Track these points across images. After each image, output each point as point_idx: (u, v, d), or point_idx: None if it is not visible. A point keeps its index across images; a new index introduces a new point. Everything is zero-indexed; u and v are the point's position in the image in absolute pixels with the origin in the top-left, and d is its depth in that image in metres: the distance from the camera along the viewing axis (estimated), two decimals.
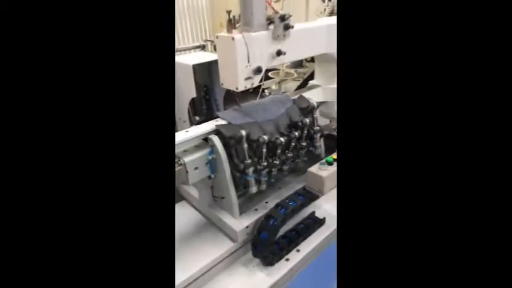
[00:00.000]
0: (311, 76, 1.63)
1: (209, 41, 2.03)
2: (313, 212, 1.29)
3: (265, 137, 1.00)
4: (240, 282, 1.03)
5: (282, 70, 1.68)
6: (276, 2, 2.46)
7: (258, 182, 1.06)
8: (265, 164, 1.03)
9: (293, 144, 1.12)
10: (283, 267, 1.08)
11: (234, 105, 1.19)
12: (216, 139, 0.98)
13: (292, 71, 1.73)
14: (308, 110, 1.19)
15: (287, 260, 1.11)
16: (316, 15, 2.67)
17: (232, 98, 1.24)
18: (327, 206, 1.35)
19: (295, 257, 1.12)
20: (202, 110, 1.41)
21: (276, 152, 1.07)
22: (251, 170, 1.01)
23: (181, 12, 3.22)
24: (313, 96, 1.40)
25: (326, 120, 1.65)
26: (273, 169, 1.09)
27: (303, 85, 1.80)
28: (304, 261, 1.16)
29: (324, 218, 1.26)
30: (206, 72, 1.25)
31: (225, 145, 1.00)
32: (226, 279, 1.04)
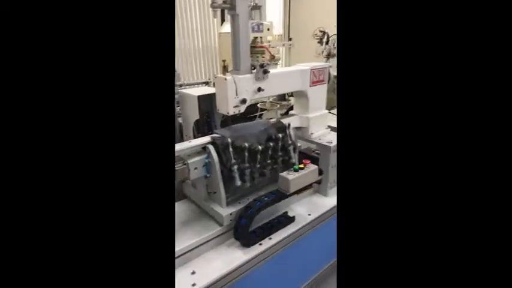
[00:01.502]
0: (292, 108, 2.04)
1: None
2: (286, 212, 1.63)
3: (246, 144, 1.38)
4: (222, 257, 1.35)
5: (268, 102, 2.09)
6: (273, 47, 2.95)
7: (243, 180, 1.42)
8: (247, 165, 1.40)
9: (270, 152, 1.49)
10: (256, 249, 1.40)
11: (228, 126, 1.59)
12: (211, 147, 1.36)
13: (277, 103, 2.15)
14: (282, 128, 1.58)
15: (260, 244, 1.43)
16: (315, 56, 3.15)
17: (227, 121, 1.64)
18: (298, 209, 1.69)
19: (267, 243, 1.45)
20: (204, 130, 1.80)
21: (256, 157, 1.44)
22: (235, 167, 1.37)
23: (197, 51, 3.81)
24: (291, 121, 1.79)
25: (311, 145, 2.01)
26: (255, 171, 1.45)
27: (285, 114, 2.21)
28: (274, 249, 1.47)
29: (294, 217, 1.59)
30: (208, 101, 1.66)
31: (218, 153, 1.38)
32: (212, 255, 1.37)
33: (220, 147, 1.36)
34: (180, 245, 1.30)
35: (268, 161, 1.49)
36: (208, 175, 1.40)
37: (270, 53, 2.74)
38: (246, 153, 1.39)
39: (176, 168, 1.32)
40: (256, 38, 2.88)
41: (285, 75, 1.65)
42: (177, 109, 1.60)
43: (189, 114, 1.58)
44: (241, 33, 1.38)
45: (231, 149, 1.36)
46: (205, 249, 1.38)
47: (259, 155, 1.43)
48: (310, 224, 1.62)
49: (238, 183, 1.38)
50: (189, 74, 2.03)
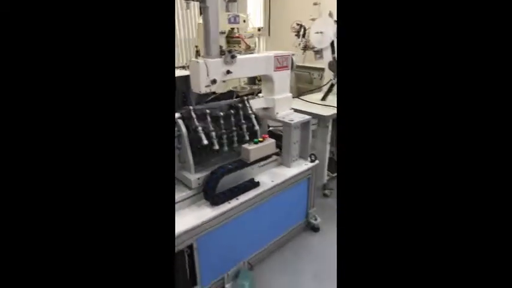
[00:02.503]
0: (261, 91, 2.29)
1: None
2: (253, 178, 1.89)
3: (208, 110, 1.63)
4: (194, 214, 1.61)
5: (239, 85, 2.34)
6: (249, 38, 3.18)
7: (209, 140, 1.63)
8: (212, 128, 1.64)
9: (233, 119, 1.74)
10: (225, 207, 1.66)
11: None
12: (180, 121, 1.60)
13: (248, 87, 2.40)
14: (241, 101, 1.84)
15: (229, 203, 1.69)
16: (293, 48, 3.38)
17: (201, 101, 1.88)
18: (263, 177, 1.96)
19: (234, 203, 1.71)
20: (180, 108, 2.03)
21: (219, 123, 1.68)
22: (200, 128, 1.60)
23: (178, 41, 4.03)
24: (257, 103, 2.05)
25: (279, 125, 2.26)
26: (221, 134, 1.68)
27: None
28: (241, 208, 1.74)
29: (258, 182, 1.86)
30: (184, 83, 1.89)
31: (186, 126, 1.61)
32: (186, 212, 1.62)
33: (185, 115, 1.59)
34: None
35: (234, 128, 1.75)
36: (179, 146, 1.64)
37: (246, 43, 2.97)
38: (209, 118, 1.64)
39: None
40: (233, 29, 3.10)
41: (251, 60, 1.90)
42: None
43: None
44: (211, 22, 1.62)
45: (193, 115, 1.60)
46: (179, 208, 1.62)
47: (222, 120, 1.68)
48: (272, 189, 1.90)
49: (205, 142, 1.59)
50: None
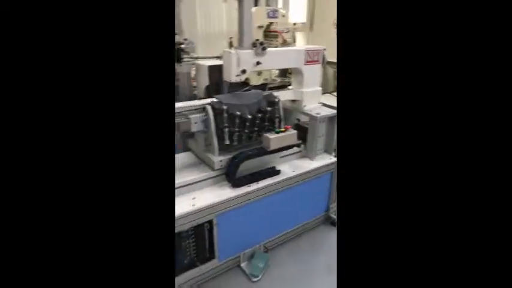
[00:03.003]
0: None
1: None
2: (274, 166, 1.98)
3: (238, 113, 1.73)
4: (216, 192, 1.74)
5: (269, 77, 2.41)
6: (286, 32, 3.23)
7: (231, 140, 1.76)
8: (237, 129, 1.75)
9: (257, 121, 1.83)
10: (244, 190, 1.77)
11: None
12: (208, 107, 1.72)
13: (279, 79, 2.46)
14: (272, 103, 1.91)
15: (249, 186, 1.80)
16: (335, 44, 3.36)
17: (232, 89, 1.99)
18: (285, 167, 2.03)
19: (254, 186, 1.81)
20: (212, 94, 2.17)
21: (245, 124, 1.78)
22: (226, 130, 1.73)
23: (213, 33, 4.27)
24: (286, 95, 2.12)
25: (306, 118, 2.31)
26: (242, 134, 1.79)
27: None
28: (260, 193, 1.83)
29: (279, 170, 1.94)
30: (217, 71, 2.02)
31: (214, 112, 1.74)
32: (207, 190, 1.76)
33: (217, 111, 1.71)
34: (182, 179, 1.71)
35: (256, 128, 1.84)
36: (206, 130, 1.77)
37: (283, 38, 3.02)
38: (237, 120, 1.74)
39: (181, 121, 1.69)
40: (271, 23, 3.17)
41: (281, 53, 1.97)
42: (192, 75, 1.97)
43: (201, 80, 1.96)
44: (245, 15, 1.72)
45: (225, 115, 1.71)
46: (202, 186, 1.77)
47: (247, 123, 1.78)
48: (293, 179, 1.96)
49: (227, 142, 1.74)
50: (207, 52, 2.39)
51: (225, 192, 1.74)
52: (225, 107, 1.72)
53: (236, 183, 1.77)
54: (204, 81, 1.90)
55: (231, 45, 1.79)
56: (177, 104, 1.75)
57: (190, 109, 1.74)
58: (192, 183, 1.74)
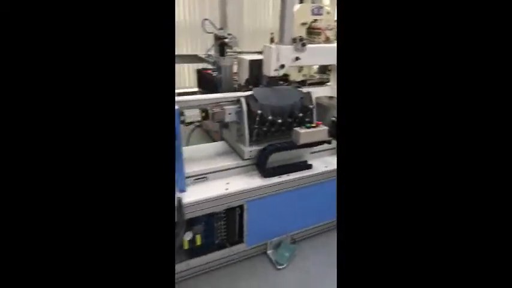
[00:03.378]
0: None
1: None
2: (306, 160, 2.02)
3: (270, 117, 1.78)
4: (246, 180, 1.84)
5: (308, 74, 2.43)
6: (330, 30, 3.20)
7: (259, 136, 1.84)
8: (266, 129, 1.81)
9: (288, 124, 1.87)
10: (274, 180, 1.85)
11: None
12: (242, 100, 1.80)
13: (317, 75, 2.48)
14: (306, 108, 1.91)
15: (280, 177, 1.87)
16: None
17: (270, 83, 2.07)
18: (317, 162, 2.06)
19: (285, 178, 1.88)
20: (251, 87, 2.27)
21: (276, 124, 1.83)
22: (255, 131, 1.80)
23: (253, 29, 4.38)
24: (324, 91, 2.14)
25: None
26: (271, 133, 1.84)
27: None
28: (290, 185, 1.89)
29: (311, 165, 1.98)
30: (257, 66, 2.11)
31: (247, 105, 1.79)
32: (238, 177, 1.86)
33: (251, 108, 1.77)
34: (216, 165, 1.85)
35: (283, 128, 1.87)
36: (239, 121, 1.87)
37: (325, 35, 3.01)
38: (268, 123, 1.80)
39: (216, 111, 1.79)
40: (316, 20, 3.17)
41: (320, 49, 2.00)
42: (234, 69, 2.09)
43: (242, 74, 2.06)
44: (287, 12, 1.78)
45: (258, 119, 1.78)
46: (231, 173, 1.88)
47: (276, 126, 1.83)
48: (324, 174, 1.99)
49: (255, 138, 1.82)
50: (252, 47, 2.50)
51: (256, 181, 1.83)
52: (259, 112, 1.77)
53: (266, 173, 1.85)
54: (245, 74, 2.00)
55: (272, 40, 1.86)
56: (214, 95, 1.87)
57: (227, 100, 1.85)
58: (224, 170, 1.86)
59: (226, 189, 1.74)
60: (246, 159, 1.89)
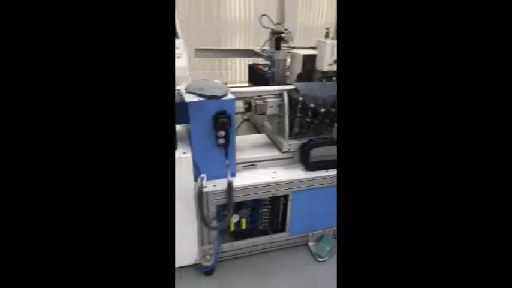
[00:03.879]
0: None
1: None
2: None
3: (312, 105, 1.79)
4: (289, 172, 1.89)
5: None
6: None
7: (301, 127, 1.87)
8: (308, 120, 1.83)
9: (330, 115, 1.86)
10: (318, 174, 1.87)
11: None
12: (285, 94, 1.84)
13: None
14: None
15: (326, 171, 1.89)
16: None
17: (323, 78, 2.09)
18: None
19: (331, 172, 1.89)
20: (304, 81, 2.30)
21: (318, 115, 1.83)
22: (297, 120, 1.84)
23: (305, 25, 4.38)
24: None
25: None
26: (314, 123, 1.85)
27: None
28: (330, 180, 1.90)
29: None
30: (311, 61, 2.13)
31: (290, 99, 1.83)
32: (278, 169, 1.92)
33: (293, 100, 1.81)
34: (260, 154, 1.93)
35: (327, 120, 1.87)
36: (280, 114, 1.91)
37: None
38: (310, 112, 1.81)
39: (259, 104, 1.86)
40: None
41: None
42: (287, 63, 2.14)
43: (295, 68, 2.10)
44: None
45: (299, 106, 1.80)
46: (270, 164, 1.93)
47: (320, 115, 1.83)
48: None
49: (296, 130, 1.85)
50: (305, 43, 2.52)
51: (301, 173, 1.88)
52: (300, 98, 1.80)
53: (309, 167, 1.89)
54: (297, 69, 2.04)
55: (326, 35, 1.88)
56: (258, 88, 1.94)
57: (269, 93, 1.91)
58: (268, 160, 1.93)
59: (273, 177, 1.81)
60: (284, 152, 1.93)
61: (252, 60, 3.07)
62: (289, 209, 1.92)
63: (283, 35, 1.95)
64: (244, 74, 3.06)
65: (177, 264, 1.84)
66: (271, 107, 1.89)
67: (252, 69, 3.35)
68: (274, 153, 1.96)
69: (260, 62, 2.95)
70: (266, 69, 3.04)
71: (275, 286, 1.81)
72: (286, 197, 1.89)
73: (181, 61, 1.27)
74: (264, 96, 1.90)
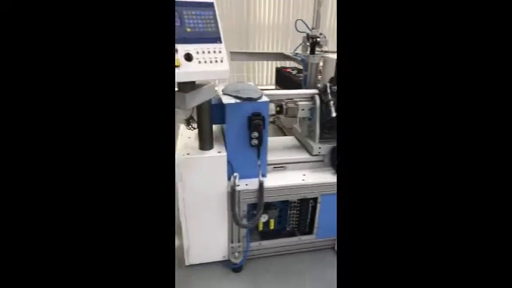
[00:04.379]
0: None
1: None
2: None
3: None
4: (319, 174, 1.90)
5: None
6: None
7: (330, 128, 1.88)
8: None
9: None
10: None
11: None
12: (317, 97, 1.86)
13: None
14: None
15: None
16: None
17: None
18: None
19: None
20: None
21: None
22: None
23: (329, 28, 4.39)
24: None
25: None
26: None
27: None
28: None
29: None
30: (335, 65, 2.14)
31: (321, 101, 1.85)
32: (308, 171, 1.93)
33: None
34: (290, 156, 1.96)
35: None
36: (310, 118, 1.92)
37: None
38: None
39: (290, 106, 1.88)
40: None
41: None
42: (320, 68, 2.16)
43: (327, 72, 2.12)
44: None
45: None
46: (301, 167, 1.96)
47: None
48: None
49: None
50: (333, 47, 2.54)
51: (328, 176, 1.89)
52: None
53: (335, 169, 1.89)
54: (330, 72, 2.06)
55: None
56: (290, 91, 1.97)
57: (301, 96, 1.93)
58: (298, 162, 1.96)
59: (303, 180, 1.84)
60: (314, 155, 1.95)
61: (279, 64, 3.12)
62: (317, 212, 1.93)
63: (318, 39, 1.97)
64: (271, 77, 3.11)
65: (206, 260, 1.90)
66: (303, 109, 1.92)
67: (280, 72, 3.39)
68: (304, 155, 1.98)
69: (288, 66, 2.98)
70: (294, 72, 3.07)
71: (300, 287, 1.83)
72: (315, 199, 1.90)
73: (224, 65, 1.32)
74: (295, 99, 1.94)
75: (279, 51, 3.07)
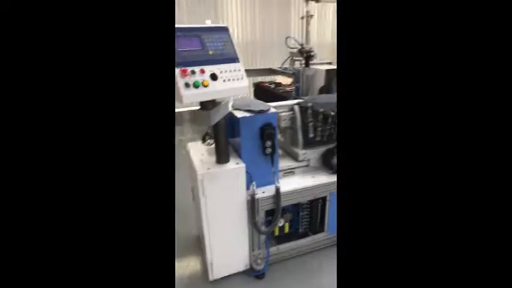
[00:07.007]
0: None
1: None
2: None
3: (321, 109, 1.96)
4: (310, 177, 2.04)
5: None
6: None
7: (315, 133, 2.03)
8: (320, 124, 1.98)
9: None
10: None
11: None
12: (296, 107, 2.01)
13: None
14: None
15: None
16: None
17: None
18: None
19: None
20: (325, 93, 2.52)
21: (327, 120, 1.98)
22: (311, 124, 1.98)
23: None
24: None
25: None
26: (325, 129, 2.01)
27: None
28: None
29: None
30: (332, 75, 2.37)
31: (301, 111, 2.00)
32: (298, 177, 2.06)
33: (303, 108, 1.99)
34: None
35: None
36: (293, 126, 2.07)
37: None
38: (321, 116, 1.96)
39: None
40: None
41: None
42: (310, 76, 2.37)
43: (317, 82, 2.34)
44: None
45: (309, 111, 1.96)
46: (293, 173, 2.09)
47: (330, 119, 1.98)
48: None
49: (311, 135, 1.97)
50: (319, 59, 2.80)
51: (321, 179, 2.02)
52: (309, 104, 1.97)
53: (329, 170, 2.07)
54: (320, 82, 2.27)
55: None
56: (271, 104, 2.05)
57: (282, 108, 2.06)
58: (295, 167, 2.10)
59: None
60: (299, 161, 2.08)
61: (252, 80, 3.30)
62: (327, 210, 2.08)
63: (312, 53, 2.17)
64: (249, 92, 3.29)
65: (229, 272, 1.94)
66: (284, 120, 2.06)
67: (259, 86, 3.58)
68: (290, 163, 2.09)
69: (265, 81, 3.17)
70: (272, 86, 3.28)
71: (327, 283, 1.94)
72: (323, 198, 2.05)
73: (244, 82, 1.45)
74: (277, 111, 1.99)
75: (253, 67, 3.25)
